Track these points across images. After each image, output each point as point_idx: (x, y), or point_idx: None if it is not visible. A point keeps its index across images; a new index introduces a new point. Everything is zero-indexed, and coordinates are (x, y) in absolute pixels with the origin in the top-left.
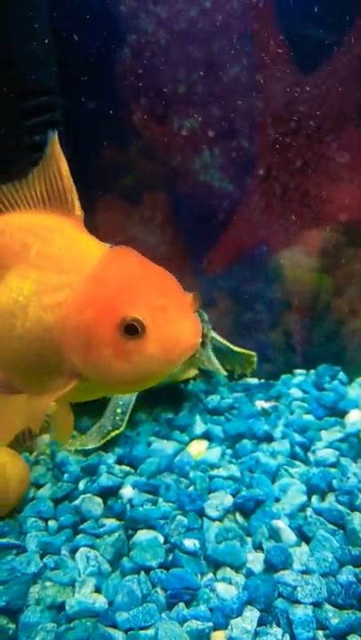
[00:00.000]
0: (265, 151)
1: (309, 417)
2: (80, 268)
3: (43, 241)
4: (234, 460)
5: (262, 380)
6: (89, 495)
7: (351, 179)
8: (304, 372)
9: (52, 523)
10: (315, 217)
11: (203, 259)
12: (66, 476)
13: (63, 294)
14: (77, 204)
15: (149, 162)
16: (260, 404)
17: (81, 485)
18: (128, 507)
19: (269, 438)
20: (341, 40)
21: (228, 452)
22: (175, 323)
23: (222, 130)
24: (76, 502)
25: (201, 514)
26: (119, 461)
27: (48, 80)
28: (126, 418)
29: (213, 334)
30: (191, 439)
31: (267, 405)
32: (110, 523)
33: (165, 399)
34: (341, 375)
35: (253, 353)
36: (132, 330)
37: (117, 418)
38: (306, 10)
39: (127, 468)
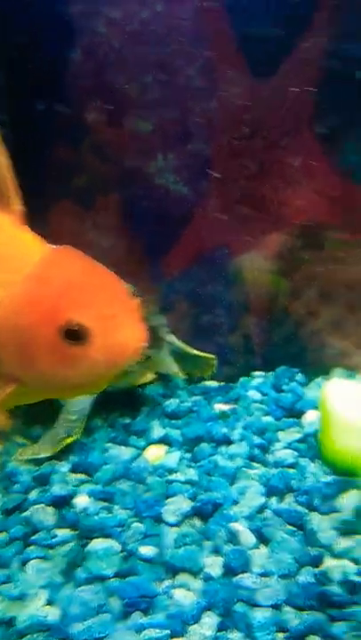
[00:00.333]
0: (220, 155)
1: (268, 418)
2: (19, 267)
3: None
4: (192, 464)
5: (222, 383)
6: (41, 505)
7: (307, 182)
8: (263, 373)
9: (1, 535)
10: (271, 220)
11: (160, 262)
12: (16, 486)
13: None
14: (17, 197)
15: (102, 164)
16: (219, 406)
17: (32, 495)
18: (82, 515)
19: (228, 441)
20: (296, 42)
21: (187, 456)
22: (119, 327)
23: (176, 133)
24: (27, 513)
25: (158, 520)
26: (74, 470)
27: None
28: (80, 425)
29: (171, 338)
30: (148, 444)
31: (226, 408)
32: (63, 533)
33: (122, 404)
34: (300, 376)
35: (213, 356)
36: (75, 335)
37: (71, 425)
38: (260, 12)
39: (82, 476)
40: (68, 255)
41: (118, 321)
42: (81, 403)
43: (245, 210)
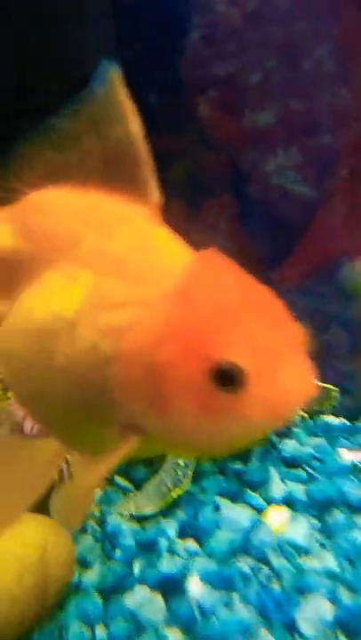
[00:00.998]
0: (349, 150)
1: None
2: (156, 279)
3: (100, 233)
4: (326, 542)
5: (344, 421)
6: (147, 591)
7: None
8: None
9: (100, 630)
10: None
11: (275, 272)
12: (118, 553)
13: (130, 314)
14: (155, 184)
15: (215, 159)
16: (347, 455)
17: (136, 569)
18: (197, 612)
19: None
20: None
21: (316, 525)
22: (285, 371)
23: (300, 125)
24: (131, 603)
25: (292, 628)
26: (182, 532)
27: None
28: (190, 472)
29: None
30: (268, 503)
31: (356, 459)
32: (175, 637)
33: None
34: None
35: (335, 387)
36: (229, 379)
37: (179, 472)
38: None
39: (192, 546)
40: (217, 265)
41: (283, 362)
42: None
43: None
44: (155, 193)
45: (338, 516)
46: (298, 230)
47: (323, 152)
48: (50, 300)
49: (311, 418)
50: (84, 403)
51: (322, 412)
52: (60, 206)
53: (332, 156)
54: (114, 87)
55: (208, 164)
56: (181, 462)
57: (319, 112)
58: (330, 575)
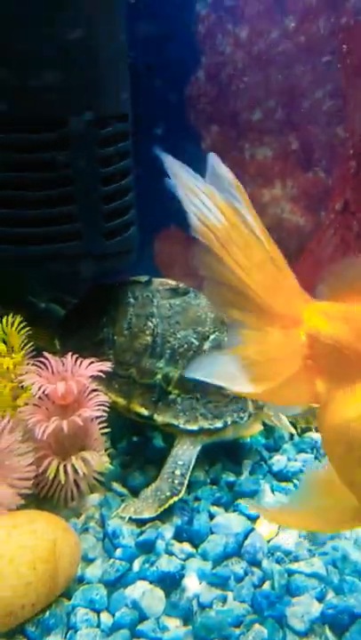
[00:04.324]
0: (344, 185)
1: None
2: None
3: None
4: (313, 549)
5: None
6: (147, 585)
7: None
8: None
9: (105, 617)
10: None
11: None
12: (119, 552)
13: None
14: None
15: None
16: None
17: (136, 566)
18: (195, 605)
19: None
20: None
21: (304, 533)
22: None
23: (298, 160)
24: (135, 595)
25: (282, 623)
26: (178, 536)
27: (123, 106)
28: (186, 482)
29: None
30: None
31: None
32: (175, 626)
33: (224, 455)
34: None
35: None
36: None
37: (176, 481)
38: None
39: (188, 548)
40: None
41: None
42: (187, 454)
43: None
44: None
45: None
46: (290, 259)
47: (318, 186)
48: None
49: (300, 435)
50: None
51: (309, 429)
52: None
53: (327, 190)
54: None
55: None
56: (178, 472)
57: (317, 149)
58: (318, 578)
